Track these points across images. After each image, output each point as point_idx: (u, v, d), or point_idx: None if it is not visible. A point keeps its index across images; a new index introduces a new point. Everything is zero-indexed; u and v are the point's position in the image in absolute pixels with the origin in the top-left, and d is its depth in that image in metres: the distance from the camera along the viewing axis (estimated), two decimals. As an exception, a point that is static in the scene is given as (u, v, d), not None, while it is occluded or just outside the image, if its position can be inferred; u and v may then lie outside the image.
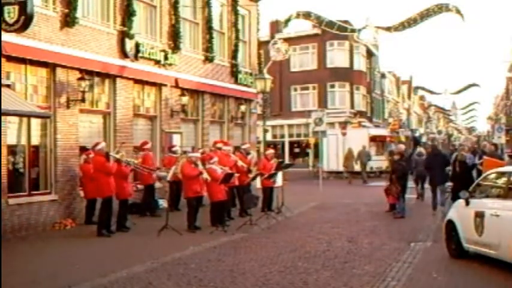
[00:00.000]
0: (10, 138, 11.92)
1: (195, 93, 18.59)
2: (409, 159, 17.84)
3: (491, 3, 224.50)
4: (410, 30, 33.87)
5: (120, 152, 12.62)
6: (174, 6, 17.21)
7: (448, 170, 14.72)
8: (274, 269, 8.63)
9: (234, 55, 20.69)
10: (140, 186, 14.78)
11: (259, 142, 24.61)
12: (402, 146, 17.10)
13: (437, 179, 14.99)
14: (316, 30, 37.50)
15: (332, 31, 29.40)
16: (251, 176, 14.78)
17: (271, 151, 17.10)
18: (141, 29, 16.03)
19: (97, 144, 12.33)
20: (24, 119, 12.24)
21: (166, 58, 16.69)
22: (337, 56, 40.47)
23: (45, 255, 9.92)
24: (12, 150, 12.08)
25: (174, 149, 15.69)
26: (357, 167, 29.39)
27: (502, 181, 8.71)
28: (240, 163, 14.68)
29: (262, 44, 24.14)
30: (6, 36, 10.91)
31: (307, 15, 27.31)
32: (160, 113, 16.74)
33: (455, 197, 12.64)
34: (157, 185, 15.10)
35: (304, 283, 7.77)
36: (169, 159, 15.16)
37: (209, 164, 13.08)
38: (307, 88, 40.90)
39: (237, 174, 13.99)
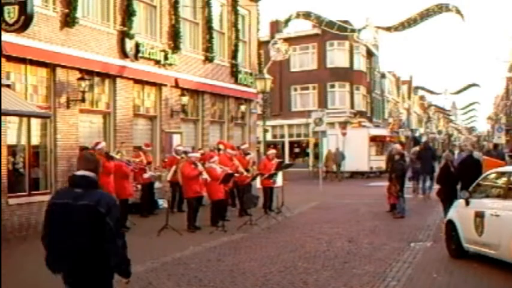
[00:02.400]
0: (10, 138, 11.91)
1: (195, 93, 18.59)
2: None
3: (491, 3, 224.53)
4: (410, 30, 33.91)
5: (121, 152, 12.63)
6: (174, 6, 17.21)
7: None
8: (274, 269, 8.63)
9: (234, 55, 20.69)
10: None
11: (259, 142, 24.60)
12: (398, 146, 17.22)
13: (426, 169, 18.86)
14: (316, 30, 37.50)
15: (332, 31, 29.43)
16: (250, 175, 14.79)
17: (273, 151, 17.11)
18: (141, 29, 16.03)
19: (97, 143, 12.34)
20: (24, 119, 12.23)
21: (166, 58, 16.69)
22: (337, 56, 40.45)
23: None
24: (12, 150, 12.08)
25: (177, 148, 15.63)
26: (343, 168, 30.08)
27: (502, 181, 8.72)
28: (240, 169, 14.68)
29: (262, 44, 24.11)
30: (6, 36, 10.90)
31: (307, 15, 27.33)
32: (160, 113, 16.74)
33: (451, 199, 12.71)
34: (157, 185, 15.09)
35: (304, 283, 7.77)
36: (171, 159, 15.08)
37: (209, 163, 13.09)
38: (307, 88, 40.88)
39: (236, 175, 14.00)
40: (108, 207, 4.17)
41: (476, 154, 16.63)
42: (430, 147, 21.84)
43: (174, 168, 13.00)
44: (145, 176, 14.09)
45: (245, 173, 14.89)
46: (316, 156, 32.60)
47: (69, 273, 4.28)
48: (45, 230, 4.46)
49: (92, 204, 4.14)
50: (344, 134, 31.40)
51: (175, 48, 17.13)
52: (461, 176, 13.10)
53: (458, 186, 12.99)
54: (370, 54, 45.37)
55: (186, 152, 14.60)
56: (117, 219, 4.23)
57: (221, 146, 15.50)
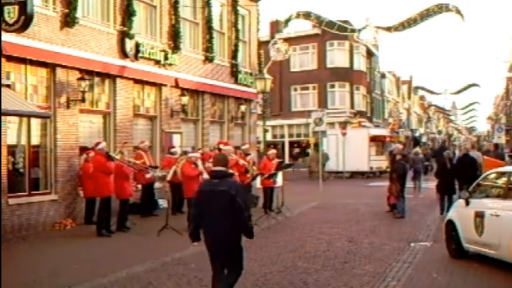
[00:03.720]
0: (10, 138, 11.92)
1: (195, 93, 18.59)
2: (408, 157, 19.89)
3: (491, 3, 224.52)
4: (410, 30, 33.90)
5: (123, 152, 12.60)
6: (174, 6, 17.21)
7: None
8: (274, 269, 8.63)
9: (234, 55, 20.69)
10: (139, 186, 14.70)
11: (259, 142, 24.61)
12: (400, 146, 17.29)
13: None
14: (316, 30, 37.53)
15: (332, 31, 29.41)
16: (249, 176, 14.77)
17: (273, 151, 17.11)
18: (141, 29, 16.03)
19: (98, 143, 12.34)
20: (24, 119, 12.24)
21: (166, 58, 16.68)
22: (337, 56, 40.48)
23: (45, 255, 9.92)
24: (12, 150, 12.08)
25: (172, 150, 15.59)
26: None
27: (502, 181, 8.72)
28: (241, 162, 14.68)
29: (262, 44, 24.11)
30: (6, 36, 10.90)
31: (307, 15, 27.32)
32: (160, 113, 16.74)
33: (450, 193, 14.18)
34: (157, 185, 15.06)
35: (304, 283, 7.77)
36: (168, 160, 15.06)
37: (208, 163, 13.07)
38: (307, 88, 40.91)
39: (236, 174, 13.96)
40: (237, 190, 5.97)
41: (474, 153, 16.96)
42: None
43: (174, 168, 12.98)
44: (148, 176, 14.04)
45: (246, 164, 14.86)
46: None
47: (220, 244, 6.05)
48: (194, 209, 6.38)
49: (226, 189, 5.94)
50: (344, 134, 31.39)
51: (175, 48, 17.13)
52: (457, 173, 14.38)
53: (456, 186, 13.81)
54: (370, 54, 45.39)
55: (185, 152, 14.58)
56: (244, 199, 6.09)
57: (222, 146, 15.47)
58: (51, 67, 12.87)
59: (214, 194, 5.99)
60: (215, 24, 19.56)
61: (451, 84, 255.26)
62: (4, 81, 11.07)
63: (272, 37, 34.10)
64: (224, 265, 6.17)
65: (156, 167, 14.48)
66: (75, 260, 9.36)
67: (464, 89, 63.83)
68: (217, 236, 6.02)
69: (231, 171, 12.89)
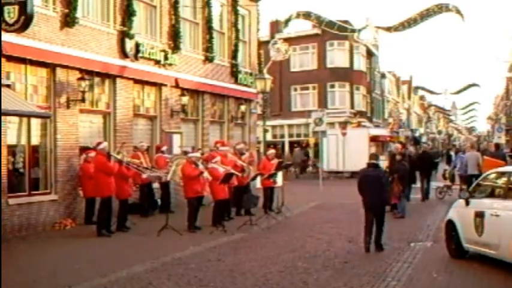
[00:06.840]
0: (10, 138, 11.92)
1: (195, 93, 18.58)
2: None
3: (491, 3, 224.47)
4: (410, 30, 33.88)
5: (121, 152, 12.59)
6: (174, 6, 17.21)
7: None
8: (274, 269, 8.63)
9: (234, 55, 20.68)
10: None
11: (259, 142, 24.58)
12: (399, 146, 17.32)
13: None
14: (316, 30, 37.49)
15: (332, 31, 29.40)
16: (247, 175, 14.74)
17: (272, 151, 17.08)
18: (141, 29, 16.03)
19: (99, 143, 12.33)
20: (24, 119, 12.24)
21: (166, 58, 16.68)
22: (337, 56, 40.43)
23: (45, 255, 9.92)
24: (12, 150, 12.08)
25: (163, 148, 15.50)
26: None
27: (502, 181, 8.72)
28: (239, 163, 14.66)
29: (262, 44, 24.09)
30: (6, 36, 10.91)
31: (307, 15, 27.33)
32: (160, 113, 16.74)
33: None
34: (157, 185, 15.04)
35: (304, 283, 7.78)
36: (163, 159, 14.92)
37: (211, 163, 13.09)
38: (307, 88, 40.87)
39: (239, 174, 13.95)
40: (382, 174, 10.31)
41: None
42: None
43: (173, 168, 12.97)
44: (144, 176, 13.99)
45: (244, 165, 14.84)
46: (316, 156, 32.63)
47: (375, 206, 10.02)
48: (358, 185, 10.22)
49: (377, 174, 10.11)
50: (344, 134, 31.37)
51: (175, 48, 17.13)
52: (417, 167, 17.95)
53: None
54: (370, 54, 45.35)
55: (186, 152, 14.57)
56: (387, 179, 10.37)
57: (219, 146, 15.42)
58: (51, 67, 12.87)
59: (369, 177, 10.04)
60: (215, 24, 19.55)
61: (451, 84, 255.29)
62: (4, 81, 11.07)
63: (272, 37, 34.05)
64: (374, 218, 9.89)
65: (152, 168, 14.42)
66: (75, 260, 9.36)
67: (464, 89, 63.85)
68: (371, 201, 9.92)
69: (232, 170, 13.07)
